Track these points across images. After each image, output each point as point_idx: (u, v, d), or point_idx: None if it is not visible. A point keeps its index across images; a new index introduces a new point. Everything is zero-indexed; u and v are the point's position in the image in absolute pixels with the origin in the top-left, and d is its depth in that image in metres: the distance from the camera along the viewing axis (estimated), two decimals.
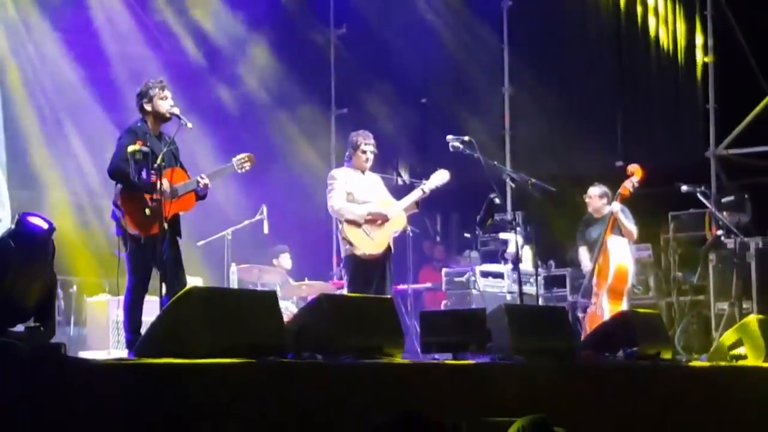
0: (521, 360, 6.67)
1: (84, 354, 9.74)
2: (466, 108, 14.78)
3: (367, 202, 9.14)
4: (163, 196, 7.73)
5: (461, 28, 15.25)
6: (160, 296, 7.77)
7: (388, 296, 7.98)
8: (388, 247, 9.15)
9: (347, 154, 9.38)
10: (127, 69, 13.59)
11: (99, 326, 10.96)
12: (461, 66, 15.30)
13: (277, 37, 15.05)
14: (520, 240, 10.27)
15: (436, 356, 6.81)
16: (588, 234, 10.91)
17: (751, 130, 13.47)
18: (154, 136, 8.08)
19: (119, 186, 7.91)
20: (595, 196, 10.97)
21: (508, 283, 12.16)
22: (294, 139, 14.98)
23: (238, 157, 8.39)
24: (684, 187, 11.25)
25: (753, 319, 8.62)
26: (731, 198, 12.42)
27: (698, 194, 11.28)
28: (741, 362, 8.22)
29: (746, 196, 12.46)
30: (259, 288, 11.51)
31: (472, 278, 12.05)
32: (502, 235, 12.53)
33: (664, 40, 14.39)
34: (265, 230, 11.55)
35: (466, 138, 9.34)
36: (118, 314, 9.69)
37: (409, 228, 10.23)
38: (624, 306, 10.36)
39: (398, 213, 9.23)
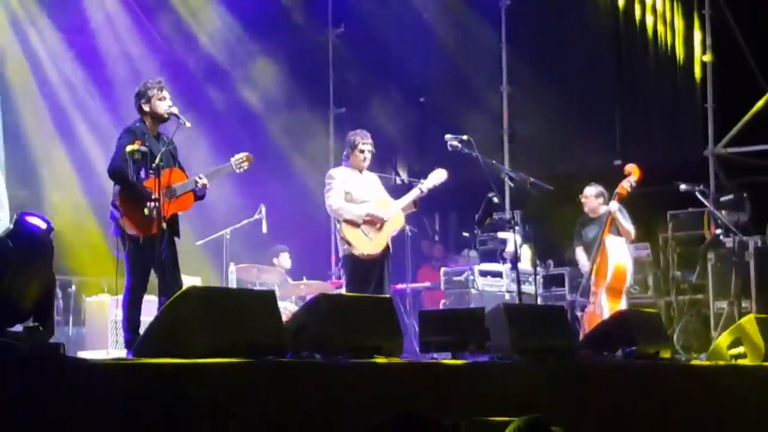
0: (520, 359, 6.66)
1: (83, 354, 9.74)
2: (464, 107, 14.78)
3: (365, 202, 9.14)
4: (162, 196, 7.74)
5: (460, 27, 15.26)
6: (159, 296, 7.79)
7: (387, 296, 7.97)
8: (387, 247, 9.15)
9: (345, 153, 9.38)
10: (126, 69, 13.60)
11: (98, 326, 10.95)
12: (460, 65, 15.30)
13: (275, 36, 15.05)
14: (519, 239, 10.28)
15: (435, 355, 6.81)
16: (585, 234, 10.92)
17: (749, 128, 13.47)
18: (153, 136, 8.08)
19: (118, 186, 7.91)
20: (591, 196, 10.98)
21: (507, 283, 12.16)
22: (292, 138, 14.98)
23: (237, 156, 8.38)
24: (683, 186, 11.25)
25: (752, 318, 8.61)
26: (730, 197, 12.42)
27: (697, 193, 11.28)
28: (740, 361, 8.22)
29: (745, 195, 12.46)
30: (258, 287, 11.51)
31: (471, 277, 12.05)
32: (501, 235, 12.53)
33: (663, 38, 14.39)
34: (264, 230, 11.55)
35: (465, 137, 9.34)
36: (117, 314, 9.69)
37: (407, 227, 10.23)
38: (623, 305, 10.36)
39: (396, 212, 9.23)
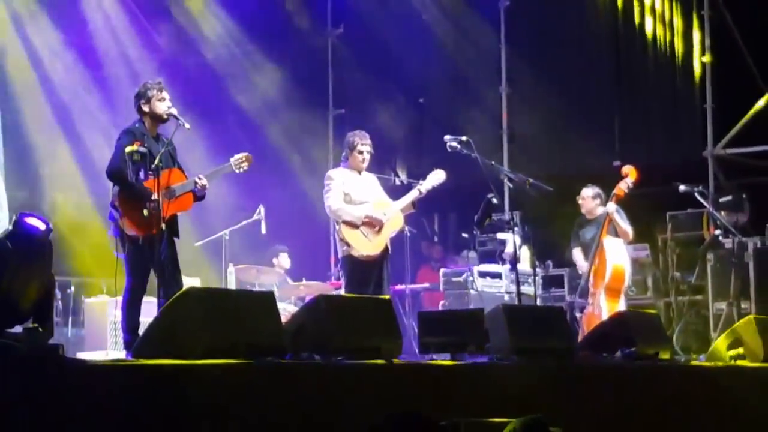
0: (519, 360, 6.66)
1: (82, 355, 9.73)
2: (463, 108, 14.79)
3: (364, 203, 9.14)
4: (161, 197, 7.74)
5: (459, 28, 15.25)
6: (158, 297, 7.79)
7: (386, 297, 7.97)
8: (386, 248, 9.14)
9: (344, 154, 9.38)
10: (125, 70, 13.60)
11: (97, 327, 10.95)
12: (459, 66, 15.30)
13: (275, 37, 15.06)
14: (518, 240, 10.28)
15: (434, 356, 6.80)
16: (582, 235, 10.92)
17: (748, 129, 13.47)
18: (152, 137, 8.08)
19: (117, 187, 7.90)
20: (588, 197, 10.98)
21: (506, 284, 12.16)
22: (292, 139, 14.98)
23: (236, 157, 8.38)
24: (682, 187, 11.26)
25: (751, 319, 8.61)
26: (729, 198, 12.42)
27: (696, 194, 11.29)
28: (739, 362, 8.22)
29: (744, 195, 12.46)
30: (257, 288, 11.51)
31: (470, 278, 12.05)
32: (500, 236, 12.52)
33: (662, 39, 14.39)
34: (263, 231, 11.55)
35: (464, 138, 9.35)
36: (116, 315, 9.67)
37: (406, 228, 10.23)
38: (621, 305, 10.37)
39: (395, 213, 9.23)
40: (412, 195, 9.31)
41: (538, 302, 10.88)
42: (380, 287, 9.00)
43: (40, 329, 5.09)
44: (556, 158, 14.39)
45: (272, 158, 14.11)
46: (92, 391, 4.50)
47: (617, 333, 7.64)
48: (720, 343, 8.56)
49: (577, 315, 10.57)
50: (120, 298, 8.05)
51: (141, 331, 7.32)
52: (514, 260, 10.14)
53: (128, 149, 7.81)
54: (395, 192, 9.88)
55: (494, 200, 9.42)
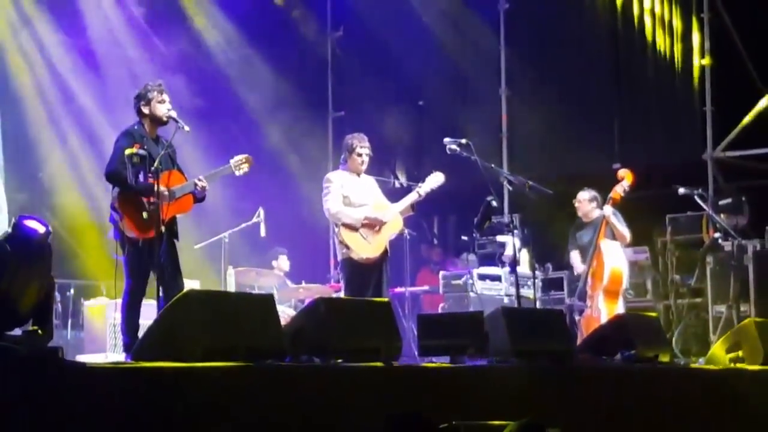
0: (519, 363, 6.66)
1: (81, 357, 9.73)
2: (463, 110, 14.80)
3: (363, 205, 9.14)
4: (161, 199, 7.73)
5: (458, 30, 15.25)
6: (158, 299, 7.78)
7: (386, 299, 7.97)
8: (385, 251, 9.14)
9: (342, 157, 9.38)
10: (125, 72, 13.60)
11: (96, 329, 10.95)
12: (458, 68, 15.31)
13: (275, 39, 15.06)
14: (518, 243, 10.27)
15: (434, 359, 6.80)
16: (579, 238, 10.92)
17: (748, 132, 13.47)
18: (152, 139, 8.08)
19: (116, 189, 7.90)
20: (584, 200, 10.99)
21: (506, 286, 12.16)
22: (291, 141, 14.98)
23: (236, 158, 8.38)
24: (681, 190, 11.26)
25: (751, 322, 8.61)
26: (728, 200, 12.42)
27: (695, 197, 11.29)
28: (739, 365, 8.21)
29: (743, 198, 12.45)
30: (257, 291, 11.51)
31: (470, 281, 12.05)
32: (500, 238, 12.52)
33: (661, 42, 14.39)
34: (262, 233, 11.55)
35: (464, 140, 9.34)
36: (116, 317, 9.69)
37: (406, 231, 10.23)
38: (620, 307, 10.37)
39: (395, 216, 9.23)
40: (411, 197, 9.31)
41: (538, 305, 10.88)
42: (379, 290, 9.00)
43: (39, 332, 5.10)
44: (555, 161, 14.39)
45: (272, 160, 14.12)
46: (92, 393, 4.50)
47: (617, 336, 7.64)
48: (719, 345, 8.56)
49: (576, 318, 10.56)
50: (119, 301, 8.05)
51: (140, 333, 7.32)
52: (514, 263, 10.14)
53: (128, 151, 7.81)
54: (395, 194, 9.88)
55: (494, 203, 9.41)
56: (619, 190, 10.53)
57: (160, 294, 7.75)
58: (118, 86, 13.20)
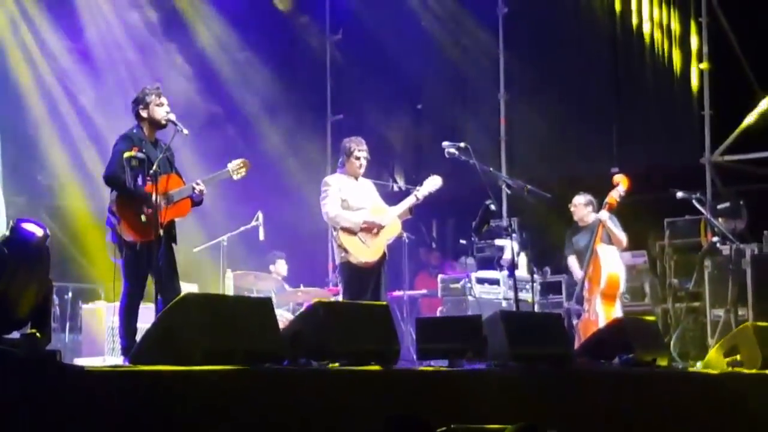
0: (517, 366, 6.66)
1: (79, 361, 9.73)
2: (462, 114, 14.80)
3: (361, 209, 9.14)
4: (158, 203, 7.74)
5: (457, 34, 15.26)
6: (156, 303, 7.78)
7: (384, 303, 7.97)
8: (383, 254, 9.14)
9: (340, 160, 9.39)
10: (124, 74, 13.60)
11: (94, 333, 10.94)
12: (457, 72, 15.31)
13: (273, 42, 15.06)
14: (516, 246, 10.27)
15: (432, 363, 6.80)
16: (576, 242, 10.93)
17: (746, 136, 13.47)
18: (150, 142, 8.08)
19: (115, 192, 7.90)
20: (580, 204, 11.00)
21: (504, 290, 12.15)
22: (290, 144, 14.98)
23: (234, 163, 8.38)
24: (679, 194, 11.26)
25: (749, 326, 8.61)
26: (727, 204, 12.42)
27: (694, 201, 11.29)
28: (737, 369, 8.21)
29: (741, 202, 12.46)
30: (255, 294, 11.50)
31: (468, 285, 12.04)
32: (498, 242, 12.51)
33: (660, 46, 14.39)
34: (261, 237, 11.54)
35: (462, 144, 9.35)
36: (114, 321, 9.66)
37: (404, 234, 10.23)
38: (617, 310, 10.37)
39: (393, 220, 9.23)
40: (409, 201, 9.30)
41: (536, 308, 10.88)
42: (377, 293, 9.00)
43: (37, 335, 5.09)
44: (554, 164, 14.38)
45: (271, 164, 14.12)
46: (90, 397, 4.50)
47: (615, 339, 7.64)
48: (717, 349, 8.56)
49: (574, 322, 10.56)
50: (117, 304, 8.05)
51: (138, 336, 7.32)
52: (512, 266, 10.13)
53: (126, 154, 7.82)
54: (392, 198, 9.87)
55: (492, 206, 9.41)
56: (614, 195, 10.54)
57: (158, 297, 7.76)
58: (118, 89, 13.21)
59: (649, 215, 12.69)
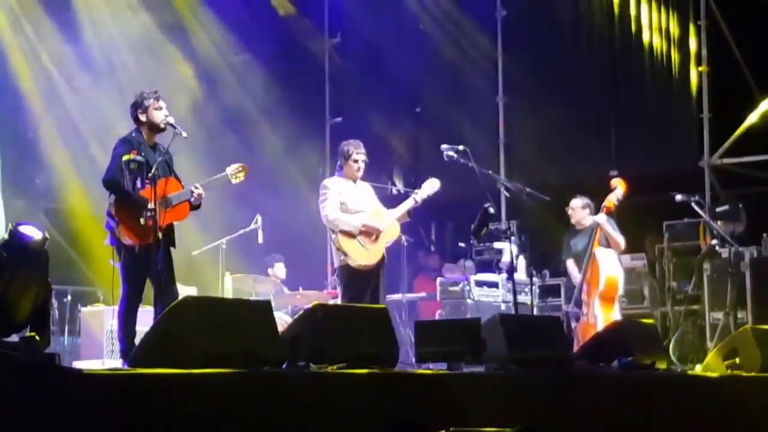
0: (516, 370, 6.66)
1: (78, 364, 9.73)
2: (460, 117, 14.80)
3: (360, 212, 9.13)
4: (158, 206, 7.74)
5: (456, 37, 15.27)
6: (155, 306, 7.78)
7: (383, 305, 7.97)
8: (382, 257, 9.14)
9: (339, 163, 9.38)
10: (124, 77, 13.59)
11: (93, 336, 10.95)
12: (456, 75, 15.31)
13: (272, 46, 15.06)
14: (515, 249, 10.28)
15: (431, 366, 6.80)
16: (574, 245, 10.93)
17: (745, 139, 13.48)
18: (149, 146, 8.09)
19: (113, 196, 7.90)
20: (577, 207, 11.00)
21: (503, 293, 12.15)
22: (289, 148, 14.98)
23: (232, 167, 8.39)
24: (678, 197, 11.26)
25: (748, 329, 8.61)
26: (726, 207, 12.42)
27: (693, 204, 11.28)
28: (736, 372, 8.21)
29: (740, 205, 12.46)
30: (254, 297, 11.50)
31: (467, 288, 12.04)
32: (497, 245, 12.52)
33: (658, 49, 14.40)
34: (260, 240, 11.55)
35: (461, 147, 9.35)
36: (113, 324, 9.68)
37: (403, 237, 10.22)
38: (616, 312, 10.37)
39: (392, 223, 9.23)
40: (408, 204, 9.30)
41: (535, 311, 10.88)
42: (376, 296, 9.01)
43: (37, 338, 5.09)
44: (553, 167, 14.38)
45: (269, 167, 14.11)
46: (88, 400, 4.49)
47: (614, 342, 7.63)
48: (716, 353, 8.55)
49: (573, 325, 10.56)
50: (116, 307, 8.05)
51: (137, 340, 7.32)
52: (511, 269, 10.14)
53: (125, 158, 7.84)
54: (391, 201, 9.87)
55: (491, 209, 9.41)
56: (612, 199, 10.54)
57: (157, 301, 7.76)
58: (117, 92, 13.20)
59: (648, 218, 12.69)
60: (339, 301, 9.24)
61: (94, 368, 7.66)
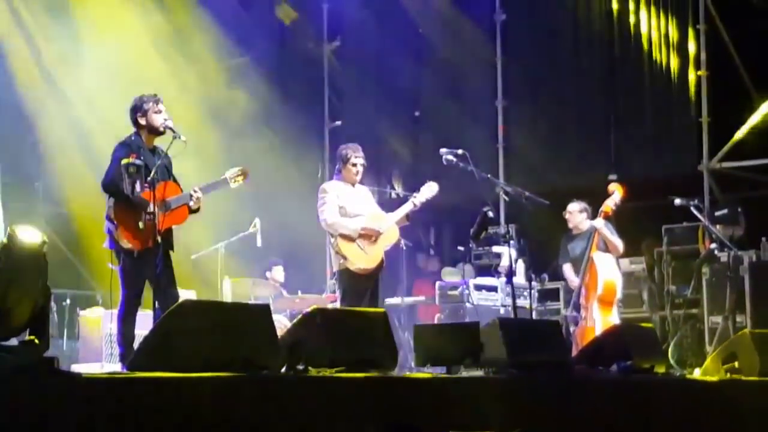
0: (515, 374, 6.65)
1: (77, 367, 9.73)
2: (459, 121, 14.81)
3: (358, 216, 9.14)
4: (157, 209, 7.74)
5: (455, 41, 15.28)
6: (154, 310, 7.77)
7: (382, 309, 7.96)
8: (381, 261, 9.14)
9: (337, 167, 9.39)
10: (123, 80, 13.59)
11: (92, 340, 10.94)
12: (455, 79, 15.32)
13: (271, 49, 15.07)
14: (514, 253, 10.27)
15: (430, 370, 6.79)
16: (572, 250, 10.92)
17: (744, 143, 13.49)
18: (148, 149, 8.09)
19: (112, 199, 7.90)
20: (575, 211, 10.99)
21: (502, 297, 12.15)
22: (288, 151, 14.98)
23: (232, 171, 8.39)
24: (677, 201, 11.25)
25: (746, 333, 8.60)
26: (725, 211, 12.42)
27: (692, 208, 11.28)
28: (735, 376, 8.20)
29: (740, 209, 12.45)
30: (253, 301, 11.50)
31: (466, 291, 12.04)
32: (496, 249, 12.52)
33: (657, 53, 14.40)
34: (258, 243, 11.55)
35: (460, 151, 9.35)
36: (111, 328, 9.68)
37: (402, 241, 10.22)
38: (614, 316, 10.37)
39: (391, 226, 9.23)
40: (407, 207, 9.31)
41: (534, 315, 10.88)
42: (375, 300, 9.01)
43: (35, 342, 5.09)
44: (552, 171, 14.39)
45: (268, 171, 14.10)
46: (87, 404, 4.49)
47: (613, 347, 7.62)
48: (715, 357, 8.54)
49: (571, 329, 10.56)
50: (115, 311, 8.05)
51: (136, 344, 7.31)
52: (510, 273, 10.14)
53: (124, 161, 7.83)
54: (390, 205, 9.87)
55: (490, 213, 9.41)
56: (610, 204, 10.53)
57: (156, 304, 7.76)
58: (116, 95, 13.19)
59: (647, 222, 12.69)
60: (338, 305, 9.23)
61: (93, 372, 7.66)
